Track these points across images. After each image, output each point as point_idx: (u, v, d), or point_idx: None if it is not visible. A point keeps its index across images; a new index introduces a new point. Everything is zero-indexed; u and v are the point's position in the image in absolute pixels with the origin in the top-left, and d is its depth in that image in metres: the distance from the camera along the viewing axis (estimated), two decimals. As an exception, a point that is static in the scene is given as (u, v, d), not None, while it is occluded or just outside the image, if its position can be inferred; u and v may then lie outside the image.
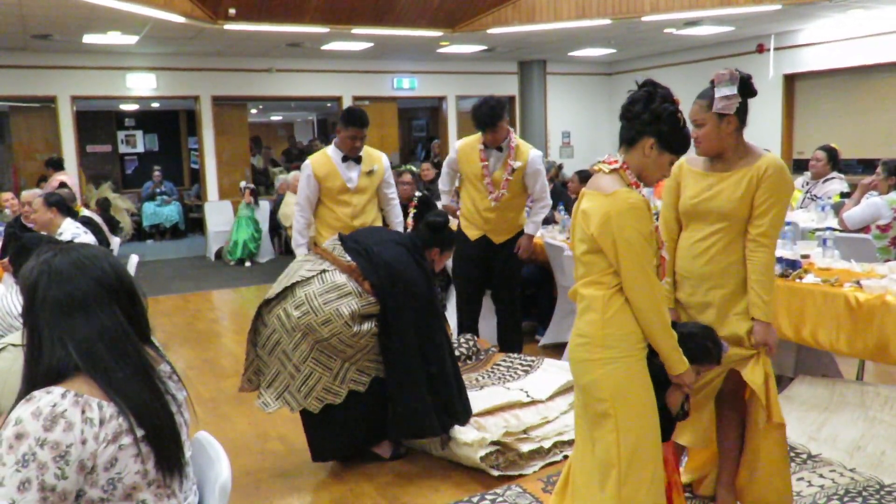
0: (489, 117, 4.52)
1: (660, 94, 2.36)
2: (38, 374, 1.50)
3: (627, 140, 2.39)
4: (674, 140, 2.36)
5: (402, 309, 3.42)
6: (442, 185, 5.13)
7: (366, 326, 3.39)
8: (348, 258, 3.48)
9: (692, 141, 2.67)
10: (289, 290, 3.43)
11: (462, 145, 4.83)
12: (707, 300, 2.78)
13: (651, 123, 2.33)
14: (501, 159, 4.66)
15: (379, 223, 4.73)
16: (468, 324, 5.02)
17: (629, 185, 2.33)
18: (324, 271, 3.45)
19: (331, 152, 4.63)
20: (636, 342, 2.31)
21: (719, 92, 2.66)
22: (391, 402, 3.47)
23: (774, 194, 2.65)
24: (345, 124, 4.55)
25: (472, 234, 4.82)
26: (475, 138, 4.73)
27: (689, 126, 2.52)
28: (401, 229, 4.84)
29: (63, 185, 9.45)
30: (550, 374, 4.24)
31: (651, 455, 2.32)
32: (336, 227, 4.50)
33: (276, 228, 10.88)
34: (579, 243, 2.37)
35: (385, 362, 3.47)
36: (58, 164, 9.31)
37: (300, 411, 3.51)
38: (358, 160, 4.60)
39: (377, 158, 4.71)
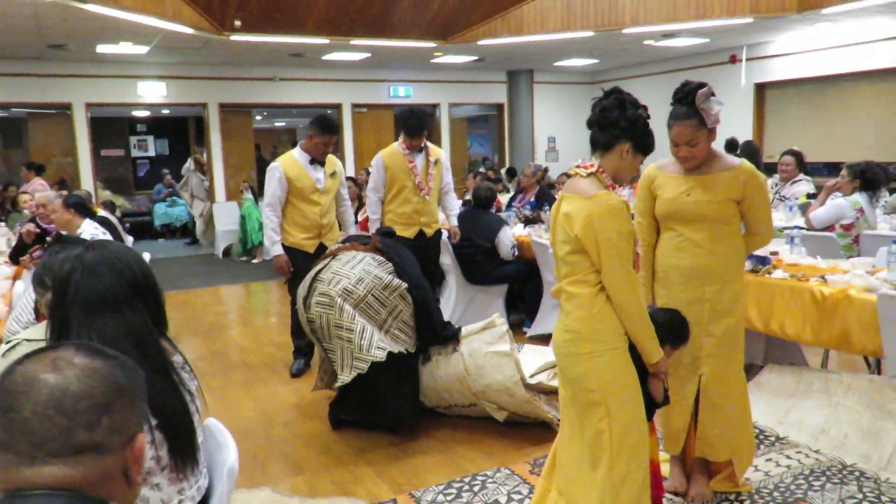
0: (421, 126, 4.97)
1: (629, 101, 2.38)
2: None
3: (603, 145, 2.39)
4: (646, 143, 2.40)
5: (405, 257, 3.85)
6: (375, 190, 5.09)
7: (388, 278, 3.65)
8: (346, 245, 3.87)
9: (682, 160, 2.72)
10: (314, 281, 3.68)
11: (385, 155, 5.07)
12: (700, 296, 2.79)
13: (627, 129, 2.35)
14: (423, 158, 5.06)
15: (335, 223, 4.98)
16: None
17: (606, 188, 2.34)
18: (333, 256, 3.75)
19: (297, 155, 4.72)
20: (620, 334, 2.32)
21: (711, 108, 2.66)
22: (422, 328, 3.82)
23: (762, 193, 2.79)
24: (321, 131, 4.66)
25: (410, 232, 5.04)
26: (393, 148, 5.08)
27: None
28: (353, 229, 5.11)
29: (62, 182, 9.39)
30: (530, 357, 4.25)
31: (639, 437, 2.35)
32: (305, 226, 4.70)
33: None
34: (563, 244, 2.36)
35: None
36: (39, 169, 9.26)
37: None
38: (322, 163, 4.75)
39: (336, 162, 4.92)
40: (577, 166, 2.41)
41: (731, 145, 8.64)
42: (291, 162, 4.68)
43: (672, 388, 2.88)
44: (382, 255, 3.79)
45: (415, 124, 4.93)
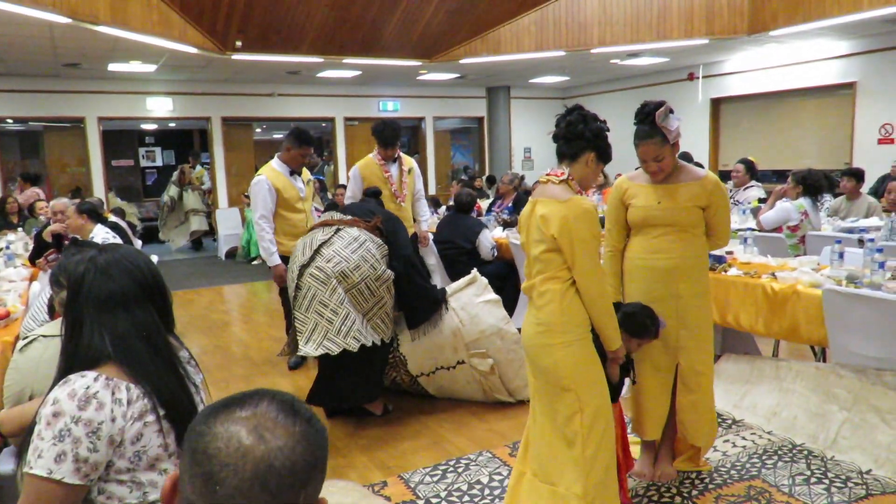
0: (394, 137, 4.81)
1: (590, 116, 2.42)
2: (74, 360, 1.46)
3: (570, 155, 2.41)
4: (607, 152, 2.44)
5: (400, 235, 3.74)
6: (353, 198, 4.91)
7: (381, 269, 3.54)
8: (348, 216, 3.72)
9: (652, 174, 2.72)
10: (316, 252, 3.53)
11: (362, 165, 4.94)
12: (675, 293, 2.79)
13: (592, 140, 2.38)
14: (397, 168, 4.93)
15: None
16: None
17: (577, 193, 2.35)
18: (337, 230, 3.59)
19: (277, 167, 4.58)
20: (586, 325, 2.33)
21: (671, 125, 2.66)
22: (407, 302, 3.73)
23: (724, 202, 2.80)
24: (299, 144, 4.54)
25: None
26: (369, 158, 4.93)
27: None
28: None
29: (77, 190, 9.22)
30: None
31: (606, 417, 2.36)
32: (294, 234, 4.51)
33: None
34: (537, 244, 2.35)
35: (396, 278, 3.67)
36: (34, 179, 9.10)
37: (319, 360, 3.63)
38: (300, 173, 4.67)
39: (307, 172, 4.83)
40: (548, 174, 2.41)
41: None
42: (275, 174, 4.53)
43: (652, 378, 2.88)
44: (381, 237, 3.66)
45: (388, 136, 4.79)
